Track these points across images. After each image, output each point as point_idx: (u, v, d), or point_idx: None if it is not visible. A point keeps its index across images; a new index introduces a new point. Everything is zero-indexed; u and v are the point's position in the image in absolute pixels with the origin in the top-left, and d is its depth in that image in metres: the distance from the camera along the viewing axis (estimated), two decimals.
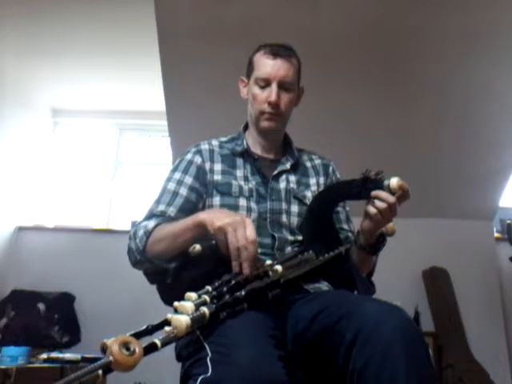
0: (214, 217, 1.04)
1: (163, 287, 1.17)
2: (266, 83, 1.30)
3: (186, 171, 1.29)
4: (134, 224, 1.24)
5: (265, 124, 1.32)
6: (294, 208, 1.29)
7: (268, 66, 1.30)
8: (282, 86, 1.29)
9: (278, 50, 1.32)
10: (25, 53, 3.45)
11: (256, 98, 1.32)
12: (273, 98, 1.28)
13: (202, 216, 1.07)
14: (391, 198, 1.06)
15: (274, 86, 1.29)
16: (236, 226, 0.99)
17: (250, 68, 1.37)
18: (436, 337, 3.07)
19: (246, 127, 1.42)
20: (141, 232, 1.16)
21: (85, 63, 3.52)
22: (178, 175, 1.29)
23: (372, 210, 1.08)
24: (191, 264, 1.09)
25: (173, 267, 1.12)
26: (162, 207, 1.23)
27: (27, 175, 3.88)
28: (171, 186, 1.27)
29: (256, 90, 1.32)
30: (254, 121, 1.36)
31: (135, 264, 1.20)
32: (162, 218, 1.21)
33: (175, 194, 1.25)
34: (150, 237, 1.14)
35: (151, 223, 1.17)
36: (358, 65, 2.78)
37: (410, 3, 2.54)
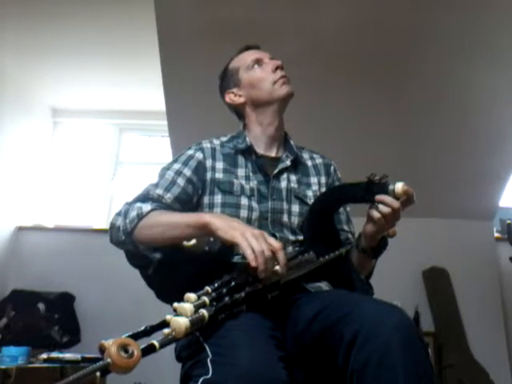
0: (226, 224, 1.00)
1: (148, 280, 1.15)
2: (260, 62, 1.36)
3: (185, 164, 1.28)
4: (126, 203, 1.21)
5: (284, 89, 1.32)
6: (295, 208, 1.28)
7: (252, 53, 1.39)
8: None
9: (252, 45, 1.41)
10: (25, 53, 3.45)
11: (260, 77, 1.34)
12: (279, 61, 1.34)
13: (209, 219, 1.02)
14: (396, 203, 1.05)
15: (268, 60, 1.36)
16: (256, 236, 0.96)
17: (233, 72, 1.39)
18: (436, 337, 3.07)
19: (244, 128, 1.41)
20: (134, 213, 1.13)
21: (85, 63, 3.51)
22: (177, 166, 1.27)
23: (376, 214, 1.07)
24: (184, 261, 1.08)
25: (157, 259, 1.10)
26: (159, 191, 1.21)
27: (27, 175, 3.88)
28: (169, 174, 1.25)
29: (255, 72, 1.35)
30: (269, 99, 1.33)
31: (117, 243, 1.16)
32: (159, 203, 1.18)
33: (173, 182, 1.23)
34: (143, 220, 1.11)
35: (147, 206, 1.14)
36: (358, 65, 2.78)
37: (410, 3, 2.54)
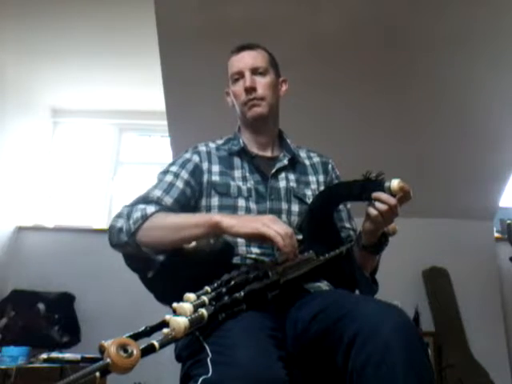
0: (239, 220, 1.04)
1: (148, 283, 1.14)
2: (239, 76, 1.34)
3: (183, 166, 1.29)
4: (126, 206, 1.21)
5: (250, 112, 1.32)
6: (295, 207, 1.28)
7: (236, 60, 1.36)
8: (255, 72, 1.33)
9: (242, 46, 1.38)
10: (25, 53, 3.45)
11: (236, 94, 1.34)
12: (247, 83, 1.31)
13: (219, 218, 1.05)
14: (392, 200, 1.05)
15: (246, 74, 1.33)
16: (274, 221, 1.02)
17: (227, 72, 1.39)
18: (436, 337, 3.07)
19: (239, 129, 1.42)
20: (137, 214, 1.13)
21: (85, 63, 3.51)
22: (174, 168, 1.29)
23: (373, 211, 1.08)
24: (185, 264, 1.08)
25: (160, 260, 1.11)
26: (158, 193, 1.22)
27: (27, 175, 3.88)
28: (168, 177, 1.26)
29: (233, 86, 1.35)
30: (242, 117, 1.36)
31: (118, 245, 1.16)
32: (161, 206, 1.18)
33: (172, 184, 1.24)
34: (147, 222, 1.12)
35: (150, 208, 1.14)
36: (358, 65, 2.78)
37: (409, 3, 2.54)
